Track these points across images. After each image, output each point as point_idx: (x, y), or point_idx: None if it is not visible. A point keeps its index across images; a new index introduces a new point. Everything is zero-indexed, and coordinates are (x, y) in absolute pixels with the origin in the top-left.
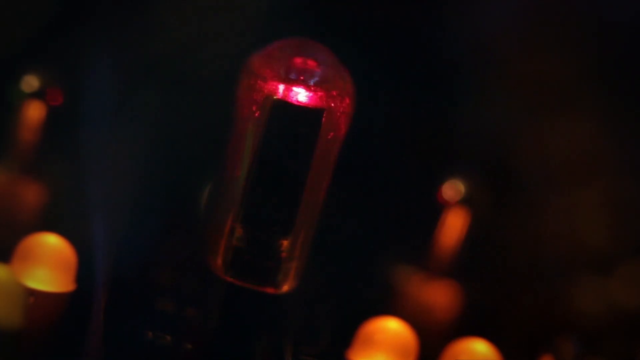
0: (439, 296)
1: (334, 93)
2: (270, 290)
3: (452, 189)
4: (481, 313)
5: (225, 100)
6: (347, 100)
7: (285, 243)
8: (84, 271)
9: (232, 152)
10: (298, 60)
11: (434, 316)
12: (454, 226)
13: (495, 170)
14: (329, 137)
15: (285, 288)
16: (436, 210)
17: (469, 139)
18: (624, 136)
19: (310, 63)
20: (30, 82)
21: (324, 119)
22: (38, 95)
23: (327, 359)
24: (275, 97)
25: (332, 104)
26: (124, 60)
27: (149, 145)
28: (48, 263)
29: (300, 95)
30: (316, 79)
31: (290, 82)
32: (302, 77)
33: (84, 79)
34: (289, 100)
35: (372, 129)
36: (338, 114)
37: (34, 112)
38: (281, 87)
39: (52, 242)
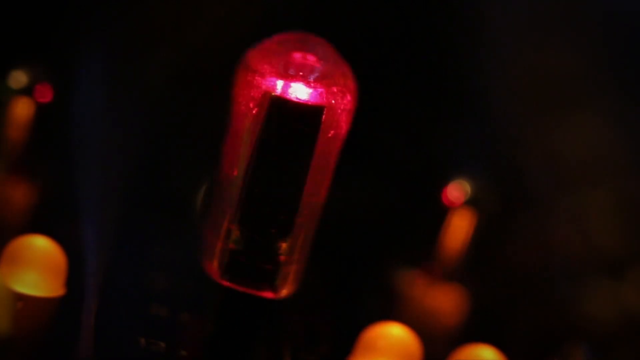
0: (444, 301)
1: (335, 89)
2: (268, 294)
3: (458, 189)
4: (488, 318)
5: (222, 96)
6: (349, 97)
7: (284, 245)
8: (74, 275)
9: (229, 151)
10: (297, 55)
11: (438, 321)
12: (459, 228)
13: (502, 170)
14: (330, 135)
15: (284, 292)
16: (441, 211)
17: (475, 138)
18: (637, 136)
19: (310, 58)
20: (19, 78)
21: (324, 116)
22: (26, 91)
23: None
24: (273, 94)
25: (333, 101)
26: (115, 55)
27: (142, 144)
28: (37, 266)
29: (300, 91)
30: (316, 74)
31: (289, 77)
32: (301, 73)
33: (74, 74)
34: (288, 96)
35: (374, 127)
36: (339, 111)
37: (23, 110)
38: (280, 83)
39: (41, 244)
